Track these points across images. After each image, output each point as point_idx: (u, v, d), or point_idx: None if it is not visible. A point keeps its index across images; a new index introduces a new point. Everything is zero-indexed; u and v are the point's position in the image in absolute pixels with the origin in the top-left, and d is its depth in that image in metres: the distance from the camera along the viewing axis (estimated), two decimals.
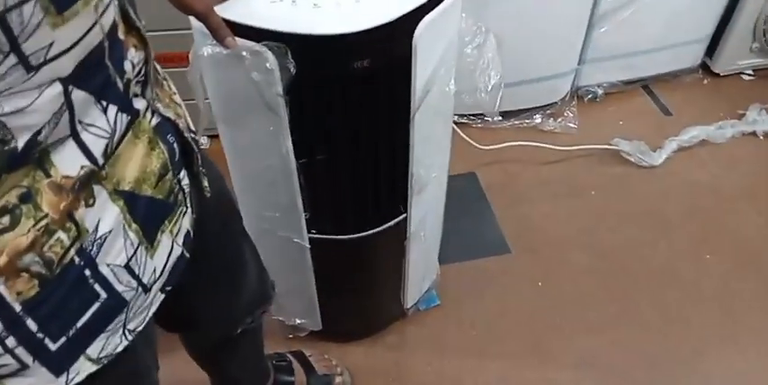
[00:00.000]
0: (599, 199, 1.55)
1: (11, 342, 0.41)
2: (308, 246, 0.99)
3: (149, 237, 0.47)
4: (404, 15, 0.71)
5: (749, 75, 1.86)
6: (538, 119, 1.68)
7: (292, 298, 1.15)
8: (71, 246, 0.41)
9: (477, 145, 1.55)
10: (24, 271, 0.39)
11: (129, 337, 0.48)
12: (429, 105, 0.82)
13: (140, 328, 0.49)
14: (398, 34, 0.72)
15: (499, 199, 1.54)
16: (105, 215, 0.43)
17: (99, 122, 0.41)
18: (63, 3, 0.35)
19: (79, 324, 0.44)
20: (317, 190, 0.90)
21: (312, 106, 0.78)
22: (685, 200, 1.55)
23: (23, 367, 0.43)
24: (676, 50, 1.74)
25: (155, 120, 0.48)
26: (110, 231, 0.43)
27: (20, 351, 0.42)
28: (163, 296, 0.51)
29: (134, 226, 0.45)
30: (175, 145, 0.51)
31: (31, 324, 0.41)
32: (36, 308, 0.41)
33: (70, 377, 0.45)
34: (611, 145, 1.61)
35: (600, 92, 1.75)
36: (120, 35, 0.42)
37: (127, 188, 0.45)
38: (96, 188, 0.42)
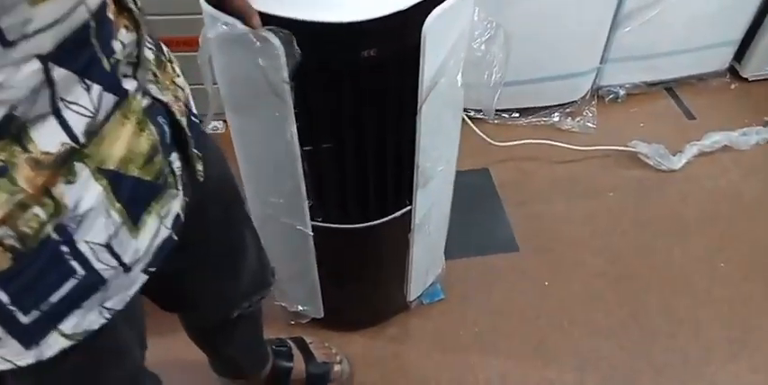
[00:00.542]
0: (614, 201, 1.53)
1: None
2: (311, 233, 0.99)
3: (134, 217, 0.47)
4: (413, 5, 0.70)
5: None
6: (556, 117, 1.65)
7: (294, 284, 1.16)
8: (48, 221, 0.41)
9: (491, 141, 1.53)
10: None
11: (107, 315, 0.48)
12: (437, 97, 0.82)
13: (120, 307, 0.49)
14: (408, 24, 0.72)
15: (511, 196, 1.52)
16: (87, 193, 0.43)
17: (82, 101, 0.41)
18: None
19: (53, 299, 0.44)
20: (321, 178, 0.90)
21: (317, 93, 0.78)
22: (703, 206, 1.52)
23: None
24: (703, 53, 1.70)
25: (145, 102, 0.48)
26: (90, 209, 0.43)
27: None
28: (146, 277, 0.51)
29: (117, 205, 0.45)
30: (166, 127, 0.51)
31: (3, 296, 0.42)
32: (8, 281, 0.41)
33: (42, 350, 0.46)
34: (629, 147, 1.58)
35: (622, 92, 1.72)
36: (110, 15, 0.42)
37: (112, 167, 0.44)
38: (78, 166, 0.42)
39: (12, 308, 0.42)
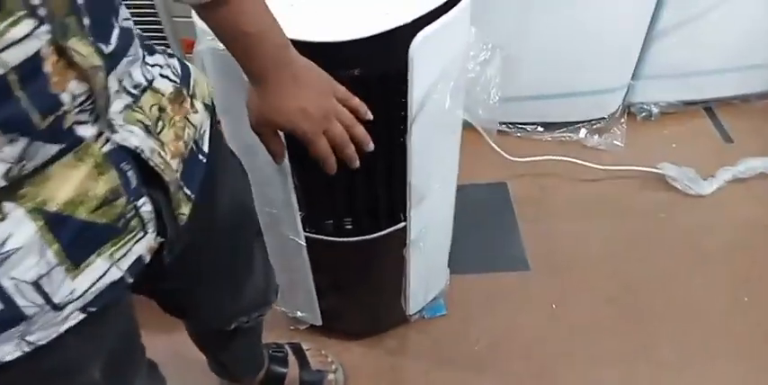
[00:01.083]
0: (635, 224, 1.47)
1: None
2: (304, 244, 1.00)
3: (75, 258, 0.47)
4: (399, 26, 0.69)
5: None
6: (582, 133, 1.60)
7: (293, 291, 1.17)
8: None
9: (509, 156, 1.49)
10: None
11: (26, 349, 0.47)
12: (427, 118, 0.80)
13: (45, 342, 0.48)
14: (392, 45, 0.71)
15: (527, 213, 1.49)
16: (18, 231, 0.43)
17: (3, 151, 0.40)
18: None
19: None
20: (312, 190, 0.90)
21: None
22: (730, 235, 1.44)
23: None
24: (746, 73, 1.61)
25: (107, 147, 0.47)
26: (20, 247, 0.43)
27: None
28: (83, 315, 0.49)
29: (55, 246, 0.45)
30: (131, 173, 0.49)
31: None
32: None
33: None
34: (656, 168, 1.52)
35: (655, 110, 1.65)
36: (47, 69, 0.40)
37: (54, 209, 0.44)
38: (8, 205, 0.42)
39: None
